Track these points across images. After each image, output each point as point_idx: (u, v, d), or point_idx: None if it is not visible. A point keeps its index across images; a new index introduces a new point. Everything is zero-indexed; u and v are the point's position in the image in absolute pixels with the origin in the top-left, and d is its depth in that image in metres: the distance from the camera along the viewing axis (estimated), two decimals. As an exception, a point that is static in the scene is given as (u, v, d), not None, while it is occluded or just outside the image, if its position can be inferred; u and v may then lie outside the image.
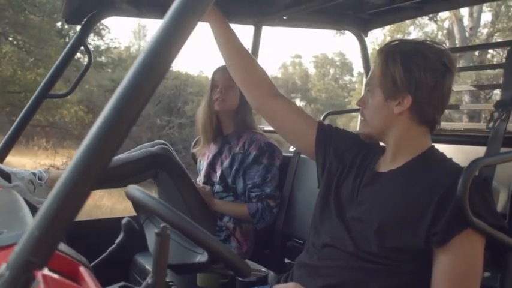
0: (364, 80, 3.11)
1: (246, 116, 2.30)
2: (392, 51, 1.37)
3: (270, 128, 2.27)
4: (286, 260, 2.22)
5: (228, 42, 1.63)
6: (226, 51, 1.64)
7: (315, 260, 1.41)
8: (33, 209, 1.73)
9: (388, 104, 1.37)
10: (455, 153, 1.50)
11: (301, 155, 2.29)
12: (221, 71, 2.28)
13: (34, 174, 1.96)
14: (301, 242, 2.15)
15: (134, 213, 1.66)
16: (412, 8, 2.41)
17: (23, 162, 11.32)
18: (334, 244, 1.38)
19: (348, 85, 33.74)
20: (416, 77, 1.32)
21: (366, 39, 2.88)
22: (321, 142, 1.57)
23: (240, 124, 2.30)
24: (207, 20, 1.62)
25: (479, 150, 1.68)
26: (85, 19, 2.10)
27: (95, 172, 0.73)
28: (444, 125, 2.13)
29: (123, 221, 1.46)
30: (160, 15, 2.22)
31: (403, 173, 1.36)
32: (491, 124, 1.45)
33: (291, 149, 2.42)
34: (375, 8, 2.48)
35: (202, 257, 1.20)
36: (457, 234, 1.20)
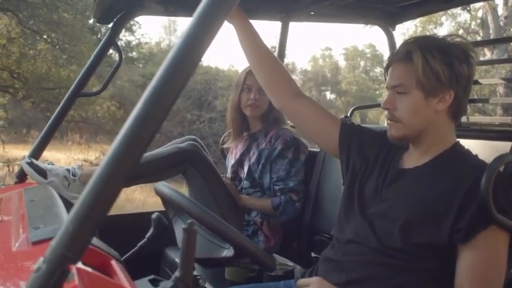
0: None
1: (278, 115, 2.30)
2: (425, 47, 1.34)
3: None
4: (313, 254, 2.24)
5: (251, 43, 1.65)
6: (249, 51, 1.66)
7: (339, 255, 1.43)
8: (68, 204, 1.80)
9: (428, 102, 1.34)
10: (482, 148, 1.50)
11: (327, 150, 2.31)
12: (253, 75, 2.28)
13: (68, 170, 2.03)
14: (328, 236, 2.16)
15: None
16: (441, 0, 2.38)
17: (57, 157, 11.60)
18: (357, 240, 1.39)
19: (379, 77, 33.24)
20: (456, 70, 1.32)
21: (395, 31, 2.86)
22: (344, 141, 1.58)
23: (271, 123, 2.32)
24: (230, 21, 1.64)
25: (506, 146, 1.67)
26: (115, 19, 2.15)
27: (125, 169, 0.77)
28: (472, 118, 2.10)
29: (153, 216, 1.50)
30: (187, 13, 2.25)
31: (428, 170, 1.36)
32: (516, 120, 1.43)
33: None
34: (403, 1, 2.45)
35: (228, 252, 1.23)
36: (481, 231, 1.21)
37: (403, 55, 1.37)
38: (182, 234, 0.97)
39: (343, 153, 1.58)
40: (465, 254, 1.23)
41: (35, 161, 2.01)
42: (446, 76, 1.31)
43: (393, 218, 1.33)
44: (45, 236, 1.09)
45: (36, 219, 1.24)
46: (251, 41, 1.64)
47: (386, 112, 1.44)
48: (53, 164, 2.06)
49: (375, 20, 2.78)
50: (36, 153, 2.12)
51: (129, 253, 1.51)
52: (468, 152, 1.38)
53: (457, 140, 1.41)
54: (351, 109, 2.93)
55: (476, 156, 1.36)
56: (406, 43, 1.41)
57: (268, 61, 1.65)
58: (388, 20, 2.80)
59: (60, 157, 11.76)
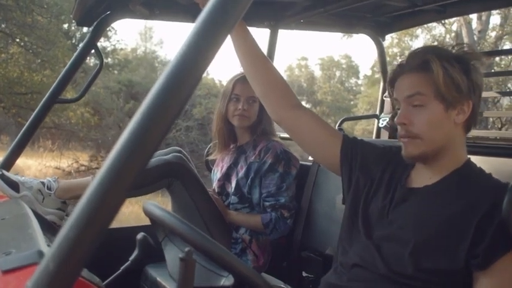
0: (381, 88, 3.02)
1: (267, 127, 2.21)
2: (442, 56, 1.25)
3: (287, 135, 2.18)
4: (304, 274, 2.13)
5: (248, 51, 1.51)
6: (246, 59, 1.52)
7: (344, 281, 1.32)
8: (42, 221, 1.65)
9: (448, 114, 1.25)
10: (485, 165, 1.41)
11: (321, 164, 2.20)
12: (242, 83, 2.14)
13: (43, 183, 1.88)
14: (321, 255, 2.06)
15: (141, 217, 1.57)
16: (435, 11, 2.33)
17: (28, 164, 11.29)
18: (363, 265, 1.28)
19: (354, 88, 33.58)
20: (473, 79, 1.24)
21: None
22: (347, 156, 1.47)
23: (260, 135, 2.21)
24: None
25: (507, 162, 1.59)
26: (97, 21, 2.02)
27: (117, 197, 0.65)
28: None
29: (138, 236, 1.37)
30: (174, 17, 2.15)
31: (439, 190, 1.26)
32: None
33: (311, 157, 2.33)
34: (395, 11, 2.39)
35: (227, 280, 1.11)
36: (500, 257, 1.11)
37: (418, 64, 1.27)
38: (179, 264, 0.84)
39: (345, 170, 1.47)
40: (482, 281, 1.13)
41: (6, 173, 1.86)
42: (465, 85, 1.23)
43: (403, 241, 1.23)
44: (19, 263, 0.96)
45: (8, 242, 1.11)
46: (248, 49, 1.51)
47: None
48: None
49: (365, 29, 2.73)
50: (8, 163, 1.97)
51: (112, 277, 1.38)
52: (481, 170, 1.29)
53: (469, 157, 1.32)
54: (340, 120, 2.85)
55: (490, 175, 1.27)
56: (417, 52, 1.31)
57: (266, 70, 1.52)
58: (378, 30, 2.76)
59: (31, 164, 11.44)
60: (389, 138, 2.70)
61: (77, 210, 0.63)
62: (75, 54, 2.07)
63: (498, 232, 1.11)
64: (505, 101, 11.62)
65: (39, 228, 1.23)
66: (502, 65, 12.79)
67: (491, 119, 11.11)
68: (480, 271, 1.13)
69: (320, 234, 2.10)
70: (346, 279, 1.31)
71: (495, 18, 17.33)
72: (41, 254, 0.97)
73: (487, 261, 1.12)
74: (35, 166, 11.32)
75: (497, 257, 1.11)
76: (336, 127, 2.71)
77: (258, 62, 1.51)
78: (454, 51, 1.30)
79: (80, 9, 1.90)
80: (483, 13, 13.37)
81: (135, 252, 1.36)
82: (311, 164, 2.28)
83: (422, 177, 1.32)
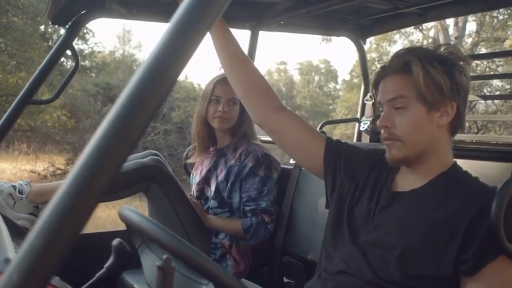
0: (362, 92, 3.01)
1: (248, 130, 2.17)
2: (424, 57, 1.23)
3: (268, 138, 2.14)
4: (286, 280, 2.09)
5: (230, 51, 1.48)
6: (224, 57, 1.49)
7: (329, 287, 1.28)
8: (13, 227, 1.58)
9: (431, 116, 1.22)
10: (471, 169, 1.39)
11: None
12: (223, 85, 2.10)
13: (14, 187, 1.81)
14: (302, 260, 2.02)
15: (117, 222, 1.52)
16: (416, 14, 2.31)
17: (3, 167, 11.07)
18: (349, 271, 1.25)
19: (333, 92, 33.76)
20: (456, 81, 1.21)
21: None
22: (330, 159, 1.44)
23: (240, 138, 2.16)
24: None
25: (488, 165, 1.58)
26: (72, 20, 1.96)
27: (89, 201, 0.59)
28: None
29: (114, 242, 1.30)
30: (152, 17, 2.10)
31: (427, 193, 1.24)
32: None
33: (292, 161, 2.29)
34: (376, 13, 2.38)
35: (207, 289, 1.07)
36: (489, 262, 1.09)
37: (399, 66, 1.25)
38: (156, 273, 0.80)
39: (328, 174, 1.44)
40: (471, 287, 1.11)
41: (-25, 176, 1.78)
42: (448, 87, 1.20)
43: (389, 246, 1.20)
44: (-17, 273, 0.90)
45: (-26, 249, 1.04)
46: (229, 49, 1.47)
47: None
48: None
49: (346, 32, 2.71)
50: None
51: (86, 285, 1.31)
52: (467, 174, 1.27)
53: (455, 160, 1.29)
54: (321, 124, 2.83)
55: (477, 178, 1.25)
56: (399, 54, 1.29)
57: (247, 71, 1.48)
58: (359, 33, 2.75)
59: (6, 167, 11.21)
60: (370, 141, 2.69)
61: (45, 214, 0.58)
62: (50, 54, 1.99)
63: (487, 237, 1.08)
64: (481, 106, 11.82)
65: (8, 234, 1.16)
66: (478, 71, 13.00)
67: (467, 124, 11.30)
68: (469, 276, 1.11)
69: (302, 238, 2.07)
70: (331, 285, 1.28)
71: (471, 25, 17.63)
72: (8, 261, 0.92)
73: (476, 266, 1.10)
74: (10, 170, 11.09)
75: (486, 262, 1.09)
76: (318, 130, 2.68)
77: (239, 62, 1.48)
78: (440, 51, 1.27)
79: (54, 8, 1.83)
80: (459, 20, 13.59)
81: (111, 259, 1.30)
82: (292, 167, 2.25)
83: (407, 181, 1.30)
